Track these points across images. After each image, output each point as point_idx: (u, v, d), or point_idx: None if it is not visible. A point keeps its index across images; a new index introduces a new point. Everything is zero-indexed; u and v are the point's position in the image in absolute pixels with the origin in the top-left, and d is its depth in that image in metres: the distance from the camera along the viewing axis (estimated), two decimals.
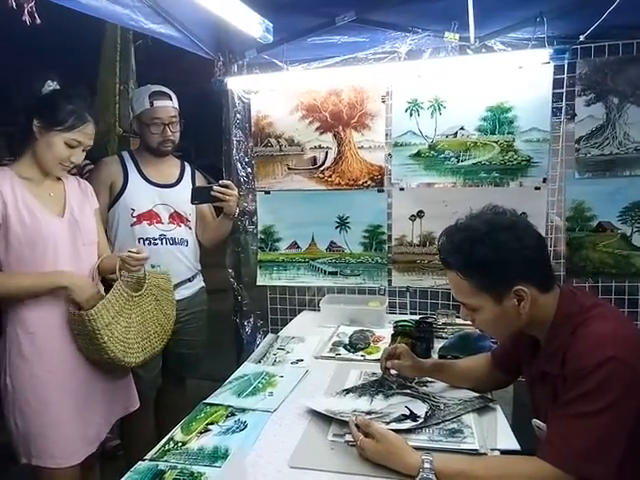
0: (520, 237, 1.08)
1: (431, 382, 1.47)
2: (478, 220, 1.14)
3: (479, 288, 1.10)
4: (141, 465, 1.11)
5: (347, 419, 1.21)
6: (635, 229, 2.07)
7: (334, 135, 2.34)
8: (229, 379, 1.57)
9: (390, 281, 2.37)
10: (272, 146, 2.41)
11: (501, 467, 1.04)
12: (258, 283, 2.53)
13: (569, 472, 0.95)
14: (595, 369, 0.97)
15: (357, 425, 1.15)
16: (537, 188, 2.10)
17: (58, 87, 1.53)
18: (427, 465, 1.01)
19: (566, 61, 1.97)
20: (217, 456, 1.13)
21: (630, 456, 0.96)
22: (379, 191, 2.31)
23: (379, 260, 2.37)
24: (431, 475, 0.99)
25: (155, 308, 1.68)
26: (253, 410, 1.36)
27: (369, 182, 2.32)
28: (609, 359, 0.96)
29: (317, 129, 2.35)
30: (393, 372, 1.47)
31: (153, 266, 1.86)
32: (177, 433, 1.25)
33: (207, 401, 1.41)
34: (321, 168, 2.37)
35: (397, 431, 1.15)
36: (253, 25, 1.80)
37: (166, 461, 1.13)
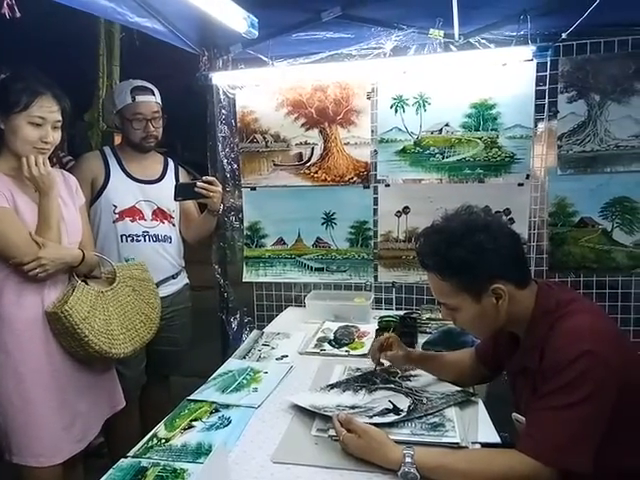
0: (495, 236, 1.10)
1: (415, 377, 1.48)
2: (454, 222, 1.16)
3: (458, 288, 1.12)
4: (123, 462, 1.11)
5: (330, 414, 1.21)
6: (615, 224, 2.10)
7: (320, 131, 2.33)
8: (213, 375, 1.56)
9: (376, 277, 2.38)
10: (258, 142, 2.41)
11: (481, 460, 1.05)
12: (244, 279, 2.52)
13: (547, 464, 0.97)
14: (572, 363, 0.98)
15: (340, 421, 1.15)
16: (520, 184, 2.13)
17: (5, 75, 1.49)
18: (408, 459, 1.01)
19: (549, 58, 2.00)
20: (200, 452, 1.13)
21: (609, 447, 0.98)
22: (365, 187, 2.32)
23: (365, 256, 2.38)
24: (412, 469, 1.00)
25: (135, 299, 1.66)
26: (237, 406, 1.35)
27: (355, 178, 2.32)
28: (585, 353, 0.98)
29: (303, 125, 2.35)
30: (385, 363, 1.50)
31: (127, 259, 1.85)
32: (160, 430, 1.24)
33: (191, 397, 1.41)
34: (307, 164, 2.37)
35: (380, 425, 1.16)
36: (238, 20, 1.78)
37: (149, 458, 1.12)
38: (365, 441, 1.09)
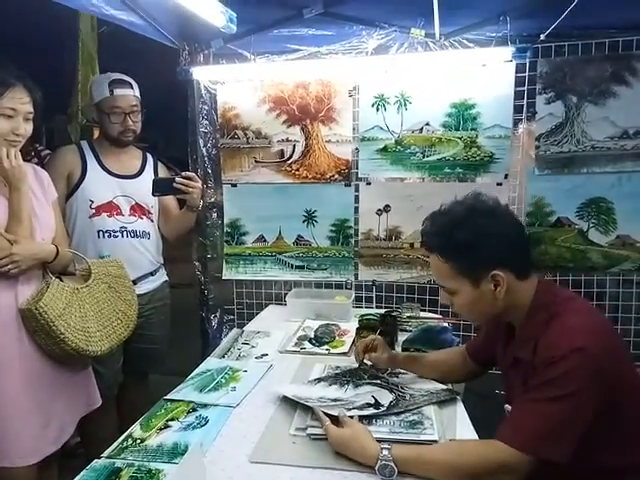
0: (499, 223, 1.12)
1: (403, 374, 1.48)
2: (460, 206, 1.17)
3: (457, 271, 1.13)
4: (97, 463, 1.09)
5: (312, 405, 1.22)
6: (591, 224, 2.14)
7: (302, 128, 2.33)
8: (191, 374, 1.54)
9: (357, 275, 2.39)
10: (239, 138, 2.39)
11: (458, 449, 1.07)
12: (224, 277, 2.51)
13: (523, 450, 0.98)
14: (562, 358, 0.99)
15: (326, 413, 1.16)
16: (499, 184, 2.15)
17: None
18: (386, 453, 1.02)
19: (527, 60, 2.02)
20: (176, 452, 1.12)
21: (594, 444, 1.00)
22: (346, 185, 2.33)
23: (346, 254, 2.38)
24: (390, 463, 1.01)
25: (112, 296, 1.64)
26: (215, 405, 1.34)
27: (336, 176, 2.32)
28: (577, 350, 0.99)
29: (284, 122, 2.34)
30: (368, 363, 1.50)
31: (102, 256, 1.82)
32: (136, 430, 1.22)
33: (168, 397, 1.39)
34: (288, 161, 2.36)
35: (358, 418, 1.17)
36: (215, 14, 1.76)
37: (124, 458, 1.10)
38: (348, 431, 1.09)
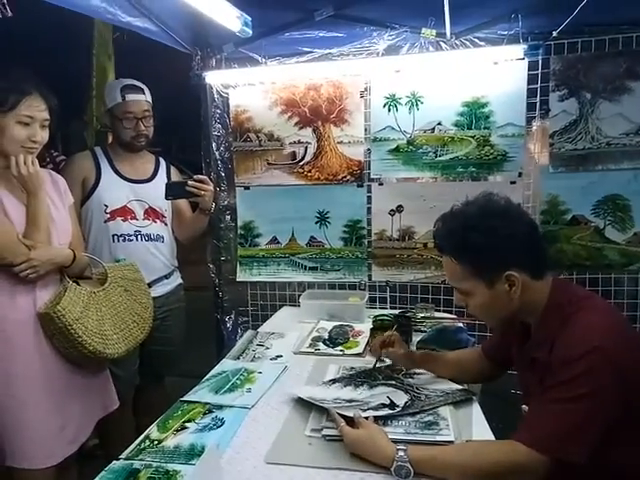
0: (512, 223, 1.10)
1: (418, 374, 1.48)
2: (472, 207, 1.16)
3: (471, 273, 1.12)
4: (115, 464, 1.10)
5: (327, 406, 1.23)
6: (608, 222, 2.11)
7: (313, 130, 2.34)
8: (207, 376, 1.56)
9: (370, 276, 2.39)
10: (251, 141, 2.40)
11: (473, 450, 1.06)
12: (238, 279, 2.52)
13: (542, 452, 0.97)
14: (580, 358, 0.98)
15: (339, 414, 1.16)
16: (513, 182, 2.14)
17: None
18: (401, 453, 1.02)
19: (540, 57, 2.00)
20: (193, 454, 1.13)
21: (615, 445, 0.98)
22: (358, 186, 2.33)
23: (359, 255, 2.38)
24: (406, 464, 1.01)
25: (127, 299, 1.66)
26: (231, 407, 1.35)
27: (348, 177, 2.32)
28: (594, 349, 0.98)
29: (296, 124, 2.35)
30: (386, 360, 1.50)
31: (118, 260, 1.84)
32: (153, 431, 1.24)
33: (184, 398, 1.40)
34: (301, 163, 2.37)
35: (373, 419, 1.17)
36: (231, 19, 1.78)
37: (141, 460, 1.11)
38: (363, 432, 1.09)
